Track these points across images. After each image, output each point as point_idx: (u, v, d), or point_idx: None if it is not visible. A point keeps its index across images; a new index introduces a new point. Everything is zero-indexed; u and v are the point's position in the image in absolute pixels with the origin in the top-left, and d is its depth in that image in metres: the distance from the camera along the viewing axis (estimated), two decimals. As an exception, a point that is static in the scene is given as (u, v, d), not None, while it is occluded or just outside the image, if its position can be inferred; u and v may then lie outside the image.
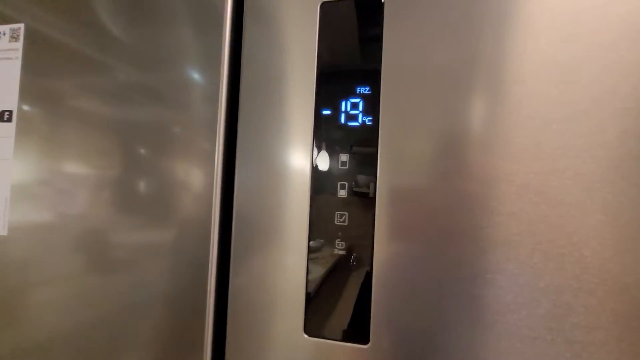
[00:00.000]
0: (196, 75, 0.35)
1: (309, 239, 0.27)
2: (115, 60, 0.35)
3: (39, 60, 0.35)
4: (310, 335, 0.26)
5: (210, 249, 0.31)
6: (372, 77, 0.26)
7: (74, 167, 0.35)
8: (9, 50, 0.35)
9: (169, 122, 0.34)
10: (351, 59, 0.27)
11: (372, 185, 0.25)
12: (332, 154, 0.27)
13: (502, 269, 0.22)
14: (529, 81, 0.22)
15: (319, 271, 0.27)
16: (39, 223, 0.35)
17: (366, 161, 0.26)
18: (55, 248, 0.34)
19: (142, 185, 0.34)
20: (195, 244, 0.32)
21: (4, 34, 0.35)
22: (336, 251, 0.26)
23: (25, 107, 0.35)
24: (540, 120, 0.22)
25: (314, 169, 0.27)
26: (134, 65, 0.35)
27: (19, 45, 0.35)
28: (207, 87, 0.34)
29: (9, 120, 0.35)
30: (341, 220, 0.26)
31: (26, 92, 0.36)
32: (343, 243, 0.26)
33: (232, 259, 0.30)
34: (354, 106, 0.26)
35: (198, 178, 0.33)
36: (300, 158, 0.27)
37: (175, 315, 0.32)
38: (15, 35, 0.35)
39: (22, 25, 0.35)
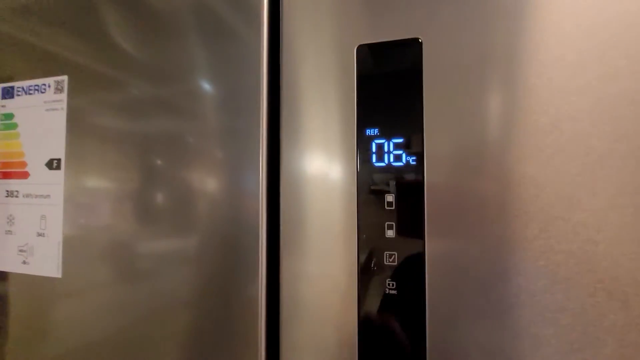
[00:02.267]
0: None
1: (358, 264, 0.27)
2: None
3: None
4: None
5: (261, 251, 0.31)
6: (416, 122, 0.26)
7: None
8: (54, 101, 0.36)
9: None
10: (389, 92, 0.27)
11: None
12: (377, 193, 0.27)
13: (564, 307, 0.22)
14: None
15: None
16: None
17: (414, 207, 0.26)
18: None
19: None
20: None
21: (49, 87, 0.37)
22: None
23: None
24: (596, 155, 0.22)
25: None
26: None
27: (64, 96, 0.36)
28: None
29: (58, 167, 0.36)
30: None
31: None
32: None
33: (281, 264, 0.30)
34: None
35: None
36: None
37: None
38: (59, 87, 0.37)
39: (65, 78, 0.36)
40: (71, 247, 0.36)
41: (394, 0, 0.27)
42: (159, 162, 0.36)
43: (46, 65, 0.38)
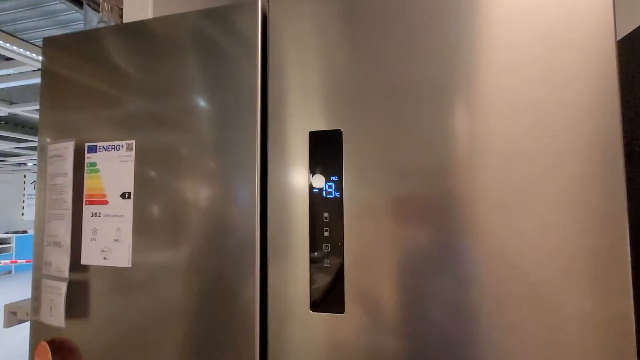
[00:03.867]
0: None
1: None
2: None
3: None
4: (313, 310, 0.48)
5: (256, 255, 0.53)
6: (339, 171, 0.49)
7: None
8: (126, 156, 0.58)
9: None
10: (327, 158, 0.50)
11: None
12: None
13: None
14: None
15: (318, 268, 0.49)
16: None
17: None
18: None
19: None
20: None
21: (123, 147, 0.59)
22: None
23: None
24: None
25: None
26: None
27: (133, 153, 0.58)
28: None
29: (129, 197, 0.58)
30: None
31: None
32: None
33: (268, 265, 0.52)
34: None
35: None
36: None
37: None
38: (130, 147, 0.59)
39: (133, 142, 0.58)
40: (136, 248, 0.58)
41: (329, 106, 0.50)
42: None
43: (117, 133, 0.60)
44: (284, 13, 0.53)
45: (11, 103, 3.81)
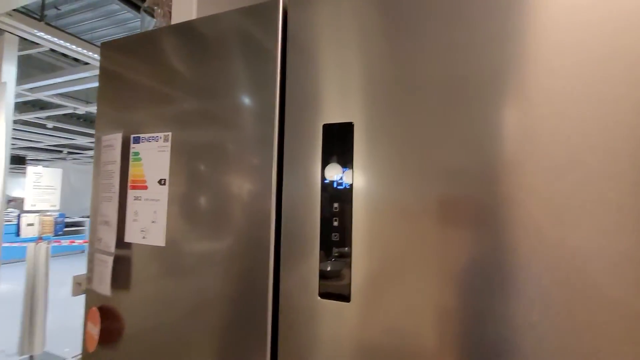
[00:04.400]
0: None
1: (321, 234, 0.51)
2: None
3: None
4: (321, 297, 0.50)
5: (270, 255, 0.56)
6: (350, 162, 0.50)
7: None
8: (164, 146, 0.65)
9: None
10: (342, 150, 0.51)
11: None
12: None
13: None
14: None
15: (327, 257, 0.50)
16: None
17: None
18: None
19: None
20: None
21: (161, 138, 0.65)
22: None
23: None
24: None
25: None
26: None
27: (169, 144, 0.64)
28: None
29: (164, 184, 0.64)
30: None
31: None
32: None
33: (281, 264, 0.54)
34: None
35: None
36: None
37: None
38: (166, 138, 0.65)
39: (170, 133, 0.65)
40: (169, 229, 0.64)
41: (341, 98, 0.51)
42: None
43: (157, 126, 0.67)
44: (303, 11, 0.55)
45: (87, 102, 4.33)
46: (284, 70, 0.57)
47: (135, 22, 3.20)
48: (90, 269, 0.73)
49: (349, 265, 0.49)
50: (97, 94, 0.75)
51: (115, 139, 0.70)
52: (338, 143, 0.51)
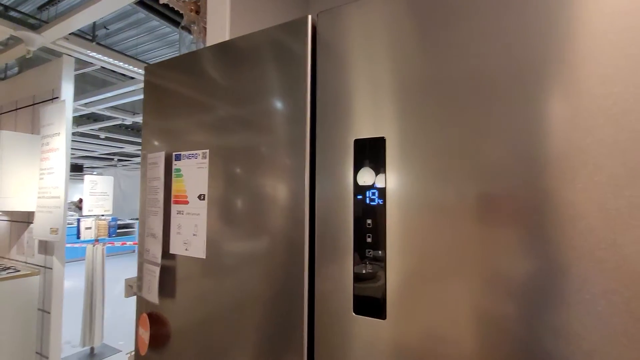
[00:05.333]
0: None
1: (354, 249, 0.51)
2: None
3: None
4: (357, 314, 0.50)
5: (305, 255, 0.57)
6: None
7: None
8: (202, 163, 0.68)
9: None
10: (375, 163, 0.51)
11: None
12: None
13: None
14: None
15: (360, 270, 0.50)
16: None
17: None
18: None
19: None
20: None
21: (199, 155, 0.69)
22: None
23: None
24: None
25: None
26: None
27: (207, 161, 0.68)
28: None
29: (204, 199, 0.68)
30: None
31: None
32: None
33: (316, 266, 0.55)
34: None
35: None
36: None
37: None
38: (204, 155, 0.68)
39: (207, 151, 0.68)
40: (210, 242, 0.67)
41: (371, 115, 0.51)
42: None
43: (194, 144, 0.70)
44: (331, 28, 0.55)
45: (134, 113, 4.66)
46: (314, 79, 0.57)
47: (174, 36, 3.39)
48: (140, 277, 0.79)
49: (384, 281, 0.48)
50: (142, 114, 0.81)
51: (159, 157, 0.75)
52: (370, 155, 0.51)
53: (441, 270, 0.44)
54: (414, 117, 0.47)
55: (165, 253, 0.73)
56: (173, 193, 0.73)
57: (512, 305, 0.39)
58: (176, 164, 0.73)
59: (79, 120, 4.89)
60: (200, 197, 0.68)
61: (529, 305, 0.38)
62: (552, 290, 0.37)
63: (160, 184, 0.74)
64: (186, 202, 0.71)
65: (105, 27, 3.35)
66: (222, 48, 0.68)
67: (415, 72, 0.48)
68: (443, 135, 0.45)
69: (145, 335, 0.74)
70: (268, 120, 0.61)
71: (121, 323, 3.60)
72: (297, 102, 0.58)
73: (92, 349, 2.95)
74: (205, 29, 1.33)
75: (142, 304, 0.79)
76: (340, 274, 0.52)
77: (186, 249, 0.70)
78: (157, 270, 0.73)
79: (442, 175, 0.45)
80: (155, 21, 3.22)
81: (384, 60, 0.50)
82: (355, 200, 0.51)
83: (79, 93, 3.83)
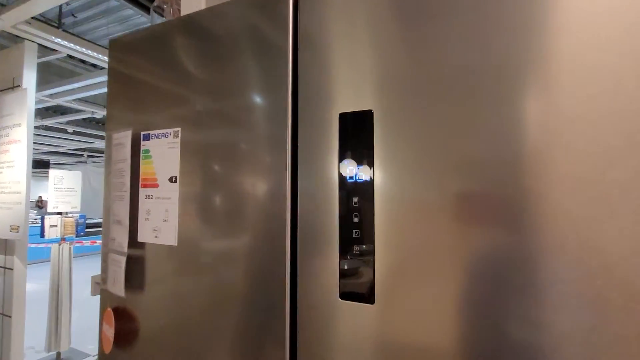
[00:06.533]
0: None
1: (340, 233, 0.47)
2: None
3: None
4: (342, 299, 0.47)
5: (286, 252, 0.53)
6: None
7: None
8: (173, 142, 0.63)
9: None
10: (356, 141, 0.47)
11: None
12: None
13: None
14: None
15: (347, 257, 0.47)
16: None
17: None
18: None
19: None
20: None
21: (170, 134, 0.63)
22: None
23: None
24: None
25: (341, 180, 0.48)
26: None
27: (178, 140, 0.62)
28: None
29: (175, 181, 0.62)
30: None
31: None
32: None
33: (298, 261, 0.51)
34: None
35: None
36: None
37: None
38: (176, 134, 0.63)
39: (179, 129, 0.63)
40: (181, 228, 0.62)
41: (357, 85, 0.47)
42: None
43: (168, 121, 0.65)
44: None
45: (105, 106, 4.43)
46: (296, 63, 0.53)
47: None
48: (104, 269, 0.73)
49: (372, 265, 0.45)
50: (107, 92, 0.74)
51: (125, 137, 0.68)
52: (356, 134, 0.47)
53: (427, 260, 0.41)
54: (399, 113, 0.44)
55: (133, 241, 0.67)
56: (141, 176, 0.67)
57: (489, 297, 0.37)
58: (144, 145, 0.67)
59: (44, 112, 4.60)
60: (172, 179, 0.63)
61: (504, 296, 0.37)
62: (528, 283, 0.36)
63: (126, 166, 0.68)
64: (156, 186, 0.65)
65: (73, 15, 3.15)
66: (195, 24, 0.62)
67: (399, 60, 0.45)
68: (426, 125, 0.42)
69: (110, 332, 0.68)
70: (245, 112, 0.56)
71: (91, 326, 3.42)
72: (278, 88, 0.53)
73: (58, 354, 2.78)
74: (179, 11, 1.26)
75: (106, 299, 0.72)
76: (325, 262, 0.49)
77: (156, 236, 0.64)
78: (124, 260, 0.67)
79: (423, 167, 0.42)
80: (129, 10, 3.07)
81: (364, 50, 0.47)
82: (341, 180, 0.48)
83: (43, 83, 3.60)
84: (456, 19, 0.42)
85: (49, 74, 3.75)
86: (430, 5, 0.43)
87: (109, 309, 0.69)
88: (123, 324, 0.68)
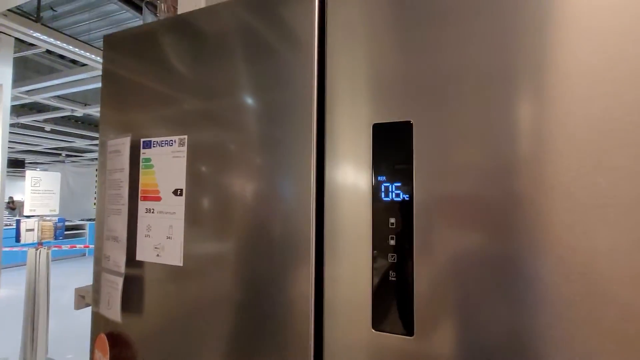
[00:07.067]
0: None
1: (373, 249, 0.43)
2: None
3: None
4: (376, 329, 0.42)
5: (310, 279, 0.48)
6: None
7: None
8: (179, 151, 0.57)
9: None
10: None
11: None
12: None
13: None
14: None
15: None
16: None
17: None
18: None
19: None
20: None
21: (175, 142, 0.57)
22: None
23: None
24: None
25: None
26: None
27: (185, 149, 0.56)
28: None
29: (181, 195, 0.56)
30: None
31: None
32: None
33: (325, 269, 0.46)
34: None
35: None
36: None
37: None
38: (182, 142, 0.57)
39: (185, 137, 0.57)
40: (187, 246, 0.56)
41: (394, 93, 0.43)
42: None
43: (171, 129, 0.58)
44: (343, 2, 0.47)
45: (85, 104, 4.24)
46: (323, 63, 0.49)
47: (134, 22, 3.11)
48: (97, 289, 0.65)
49: (410, 291, 0.41)
50: (100, 95, 0.67)
51: (122, 144, 0.62)
52: (390, 146, 0.43)
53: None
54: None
55: (131, 260, 0.60)
56: (141, 187, 0.61)
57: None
58: (145, 153, 0.61)
59: (19, 109, 4.36)
60: (177, 192, 0.57)
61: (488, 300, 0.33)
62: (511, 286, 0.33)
63: (124, 176, 0.61)
64: (158, 199, 0.59)
65: (52, 9, 2.99)
66: (192, 22, 0.56)
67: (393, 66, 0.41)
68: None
69: (104, 360, 0.61)
70: (247, 115, 0.51)
71: (69, 335, 3.25)
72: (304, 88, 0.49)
73: (34, 366, 2.62)
74: (174, 7, 1.19)
75: (99, 323, 0.65)
76: (355, 286, 0.44)
77: (158, 255, 0.58)
78: (120, 281, 0.60)
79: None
80: (114, 5, 2.94)
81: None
82: (375, 195, 0.44)
83: (19, 79, 3.41)
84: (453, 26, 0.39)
85: (25, 70, 3.55)
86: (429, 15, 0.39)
87: (102, 335, 0.62)
88: (118, 352, 0.61)
